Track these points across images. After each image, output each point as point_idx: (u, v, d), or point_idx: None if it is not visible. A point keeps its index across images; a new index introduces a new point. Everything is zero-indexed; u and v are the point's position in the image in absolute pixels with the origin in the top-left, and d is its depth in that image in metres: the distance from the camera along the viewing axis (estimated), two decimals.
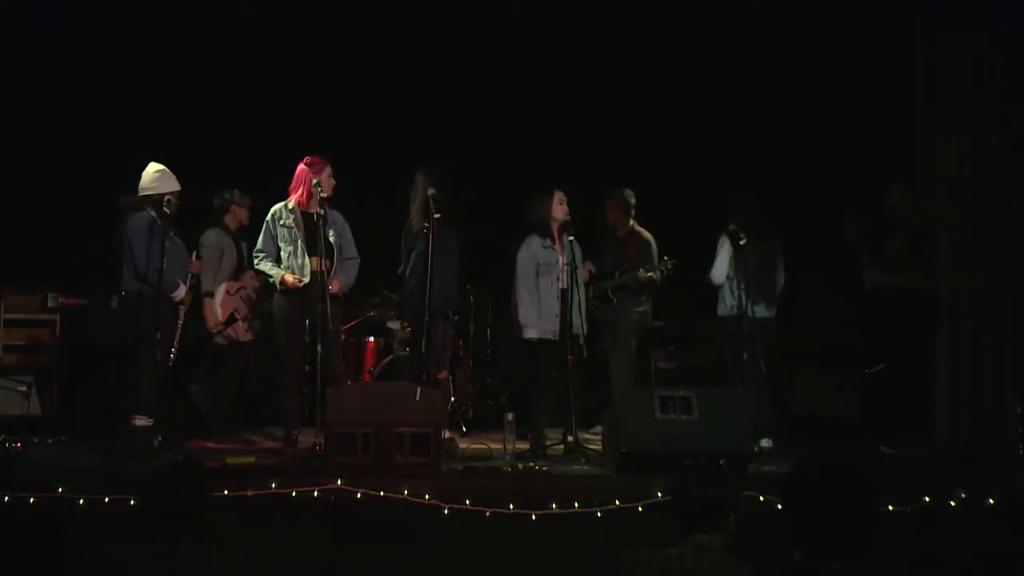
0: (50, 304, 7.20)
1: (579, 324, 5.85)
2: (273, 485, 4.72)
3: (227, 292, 6.54)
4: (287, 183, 6.19)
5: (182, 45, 7.39)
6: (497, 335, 7.92)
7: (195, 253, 6.37)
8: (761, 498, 4.71)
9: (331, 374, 5.88)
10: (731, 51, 7.55)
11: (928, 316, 6.40)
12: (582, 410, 6.16)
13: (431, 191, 5.99)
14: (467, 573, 4.65)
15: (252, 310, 6.67)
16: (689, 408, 5.36)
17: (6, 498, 4.61)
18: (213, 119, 7.57)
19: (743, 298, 6.27)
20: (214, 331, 6.54)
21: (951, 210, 6.56)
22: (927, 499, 4.85)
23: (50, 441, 6.10)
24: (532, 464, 5.53)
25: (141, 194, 5.86)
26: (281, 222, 5.97)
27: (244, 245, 6.79)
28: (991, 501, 4.90)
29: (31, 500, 4.61)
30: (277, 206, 6.02)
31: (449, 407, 6.95)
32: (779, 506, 4.42)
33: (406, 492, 4.69)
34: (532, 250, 6.20)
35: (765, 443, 6.08)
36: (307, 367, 6.61)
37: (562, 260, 6.09)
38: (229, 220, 6.73)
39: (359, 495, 4.69)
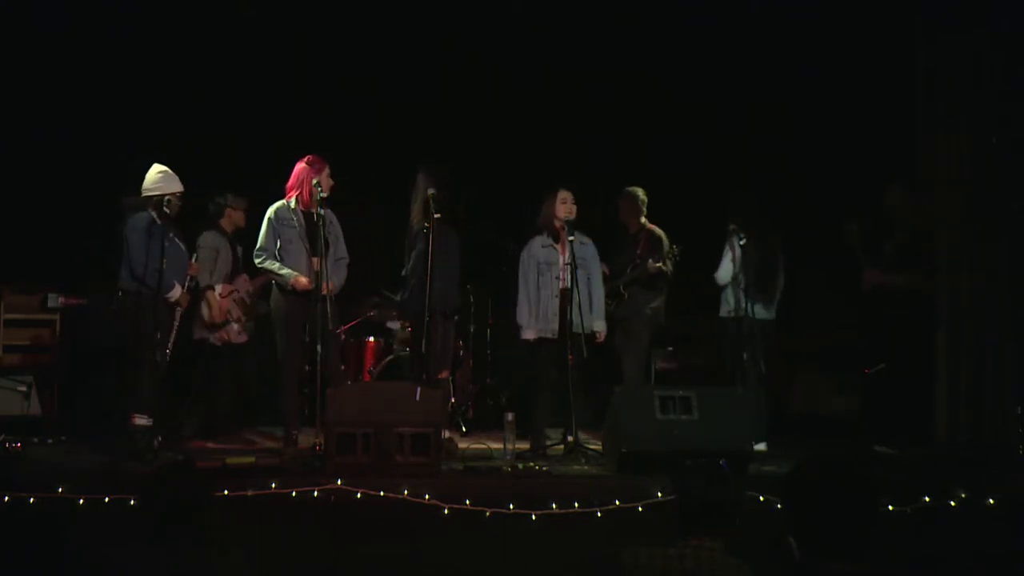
0: (50, 304, 7.20)
1: (579, 323, 5.82)
2: (273, 485, 4.72)
3: (220, 294, 6.52)
4: (287, 183, 6.20)
5: (182, 45, 7.39)
6: (497, 335, 7.92)
7: (194, 256, 6.37)
8: (761, 498, 4.72)
9: (331, 374, 5.89)
10: (731, 51, 7.55)
11: (928, 316, 6.39)
12: (591, 410, 6.15)
13: (431, 191, 6.00)
14: (467, 573, 4.65)
15: (246, 312, 6.64)
16: (689, 408, 5.37)
17: (6, 498, 4.60)
18: (213, 119, 7.57)
19: (743, 298, 6.28)
20: (210, 325, 6.51)
21: (951, 210, 6.56)
22: (927, 499, 4.86)
23: (50, 441, 6.10)
24: (532, 464, 5.53)
25: (144, 195, 5.86)
26: (285, 221, 5.97)
27: (240, 248, 6.78)
28: (991, 501, 4.90)
29: (31, 500, 4.60)
30: (278, 204, 6.02)
31: (449, 407, 6.94)
32: (779, 506, 4.42)
33: (406, 492, 4.69)
34: (532, 250, 6.21)
35: (761, 446, 6.08)
36: (307, 367, 6.61)
37: (563, 259, 6.08)
38: (225, 223, 6.70)
39: (359, 495, 4.69)
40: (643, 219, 6.76)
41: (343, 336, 7.16)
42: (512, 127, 8.05)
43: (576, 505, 4.71)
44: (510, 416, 5.91)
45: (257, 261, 6.05)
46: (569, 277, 5.94)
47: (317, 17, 7.44)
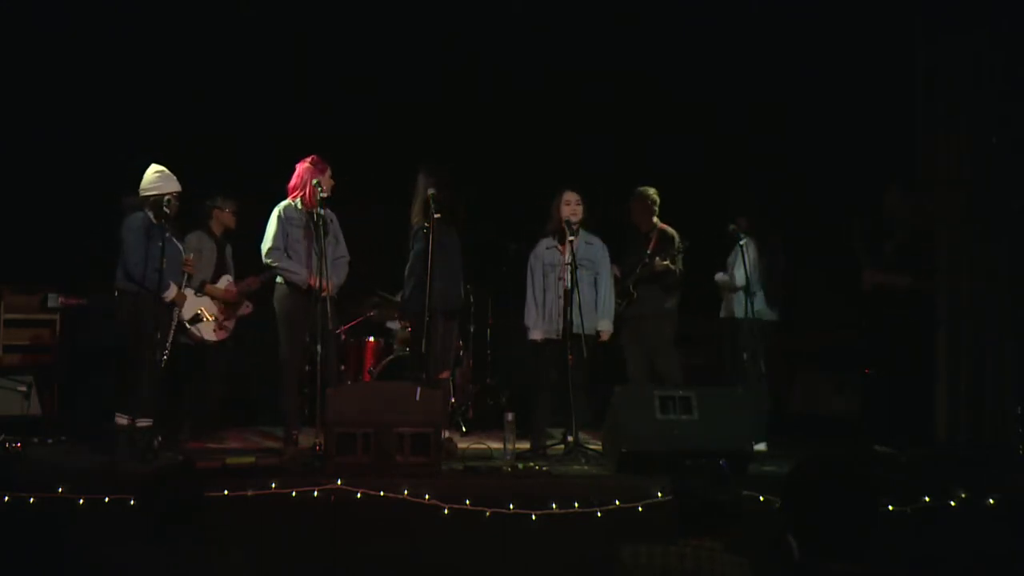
0: (50, 304, 7.20)
1: (580, 324, 5.82)
2: (273, 485, 4.71)
3: (195, 291, 6.48)
4: (287, 183, 6.20)
5: (182, 45, 7.39)
6: (497, 335, 7.93)
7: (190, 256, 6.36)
8: (761, 498, 4.72)
9: (331, 374, 5.89)
10: (731, 51, 7.55)
11: (928, 316, 6.40)
12: (591, 410, 6.15)
13: (431, 191, 6.00)
14: (467, 573, 4.65)
15: (224, 311, 6.59)
16: (689, 408, 5.36)
17: (6, 498, 4.60)
18: (213, 119, 7.57)
19: (743, 298, 6.28)
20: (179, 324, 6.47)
21: (951, 210, 6.56)
22: (927, 499, 4.85)
23: (50, 441, 6.09)
24: (532, 464, 5.53)
25: (141, 195, 5.85)
26: (292, 221, 5.97)
27: (230, 250, 6.76)
28: (991, 501, 4.90)
29: (31, 500, 4.60)
30: (285, 203, 6.03)
31: (449, 407, 6.94)
32: (779, 506, 4.42)
33: (406, 492, 4.69)
34: (538, 252, 6.23)
35: (761, 447, 6.09)
36: (307, 367, 6.60)
37: (564, 260, 6.08)
38: (214, 225, 6.67)
39: (359, 495, 4.69)
40: (655, 219, 6.68)
41: (343, 336, 7.17)
42: (512, 127, 8.05)
43: (576, 505, 4.70)
44: (510, 416, 5.91)
45: (269, 260, 6.03)
46: (569, 277, 5.93)
47: (317, 17, 7.44)
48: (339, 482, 4.72)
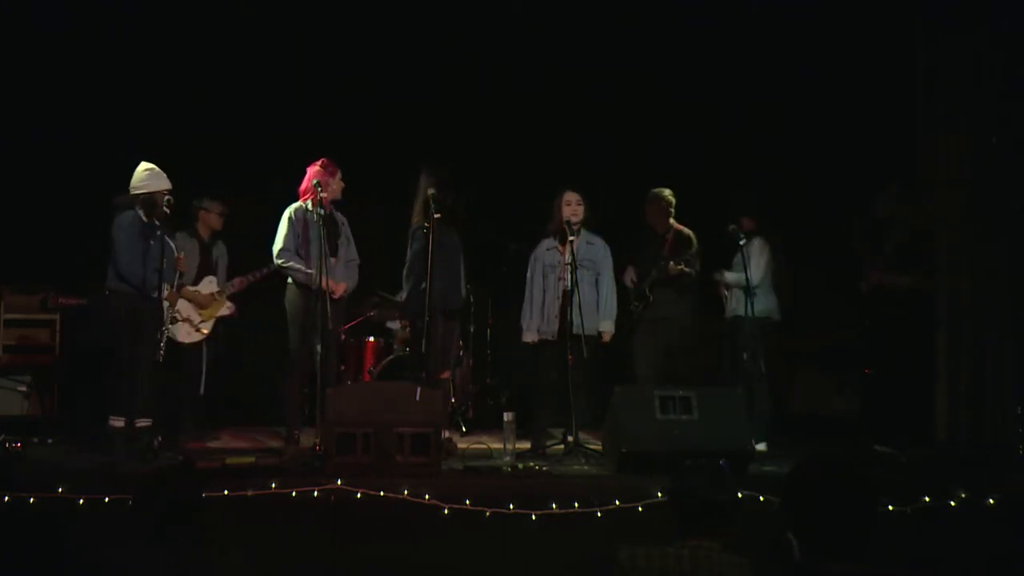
0: (50, 304, 7.19)
1: (580, 324, 5.81)
2: (273, 485, 4.71)
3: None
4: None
5: (182, 45, 7.38)
6: (497, 335, 7.93)
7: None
8: (761, 498, 4.72)
9: (331, 374, 5.89)
10: (731, 51, 7.54)
11: (928, 316, 6.40)
12: (591, 411, 6.15)
13: (431, 191, 6.01)
14: (467, 573, 4.65)
15: (200, 313, 6.55)
16: (689, 408, 5.37)
17: (6, 498, 4.60)
18: (213, 119, 7.57)
19: (743, 298, 6.27)
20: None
21: (951, 210, 6.56)
22: (927, 499, 4.85)
23: (50, 441, 6.09)
24: (532, 464, 5.54)
25: (131, 193, 5.83)
26: (303, 223, 5.97)
27: (218, 250, 6.73)
28: (991, 501, 4.89)
29: (31, 500, 4.60)
30: (296, 205, 6.04)
31: (449, 407, 6.94)
32: (779, 506, 4.42)
33: (406, 492, 4.68)
34: (539, 252, 6.23)
35: (761, 447, 6.09)
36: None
37: (564, 260, 6.08)
38: (200, 226, 6.65)
39: (359, 495, 4.69)
40: (671, 220, 6.65)
41: (343, 336, 7.16)
42: (512, 127, 8.05)
43: (576, 505, 4.70)
44: (510, 416, 5.90)
45: (280, 261, 6.04)
46: (569, 278, 5.93)
47: (317, 17, 7.44)
48: (339, 482, 4.72)
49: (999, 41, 6.37)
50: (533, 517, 4.66)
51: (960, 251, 6.50)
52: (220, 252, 6.82)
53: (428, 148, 7.12)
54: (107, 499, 4.59)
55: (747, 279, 6.22)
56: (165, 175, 5.88)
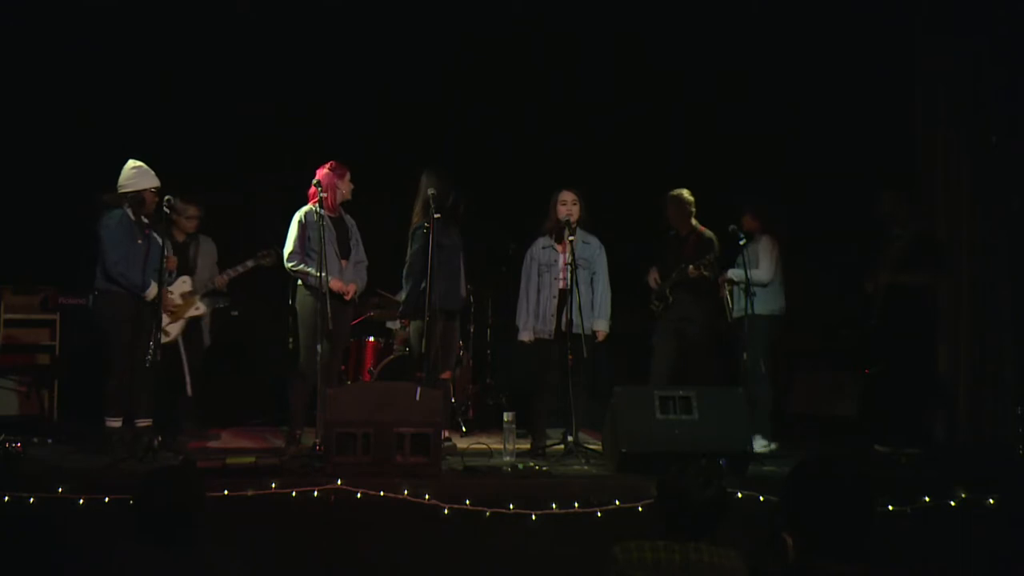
0: (50, 304, 7.19)
1: (580, 323, 5.81)
2: (273, 485, 4.71)
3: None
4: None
5: (182, 45, 7.38)
6: (497, 335, 7.93)
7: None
8: (761, 498, 4.72)
9: (331, 374, 5.89)
10: (731, 51, 7.54)
11: (929, 316, 6.39)
12: (592, 411, 6.15)
13: (432, 191, 6.02)
14: (467, 573, 4.65)
15: (170, 315, 6.48)
16: (689, 408, 5.37)
17: (6, 498, 4.60)
18: (213, 119, 7.57)
19: (744, 298, 6.27)
20: None
21: (951, 210, 6.57)
22: (927, 499, 4.85)
23: (50, 441, 6.09)
24: (532, 464, 5.54)
25: (119, 191, 5.81)
26: (313, 226, 5.96)
27: (200, 247, 6.72)
28: (991, 501, 4.89)
29: (31, 500, 4.60)
30: (306, 209, 6.03)
31: (449, 407, 6.94)
32: (779, 506, 4.42)
33: (406, 492, 4.68)
34: (534, 251, 6.22)
35: (771, 446, 6.09)
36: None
37: (563, 260, 6.08)
38: (174, 229, 6.55)
39: (359, 495, 4.69)
40: (693, 221, 6.61)
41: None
42: (512, 127, 8.04)
43: (576, 505, 4.70)
44: (510, 416, 5.90)
45: (289, 265, 6.03)
46: (569, 278, 5.93)
47: (317, 17, 7.44)
48: (339, 482, 4.72)
49: (999, 42, 6.38)
50: (533, 517, 4.65)
51: (960, 251, 6.51)
52: (207, 249, 6.76)
53: (428, 148, 7.13)
54: (107, 499, 4.58)
55: (747, 278, 6.22)
56: (153, 172, 5.85)
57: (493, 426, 6.87)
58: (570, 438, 5.82)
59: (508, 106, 8.00)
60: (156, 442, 5.52)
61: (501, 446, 5.89)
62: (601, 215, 6.42)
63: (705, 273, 6.35)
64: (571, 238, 5.94)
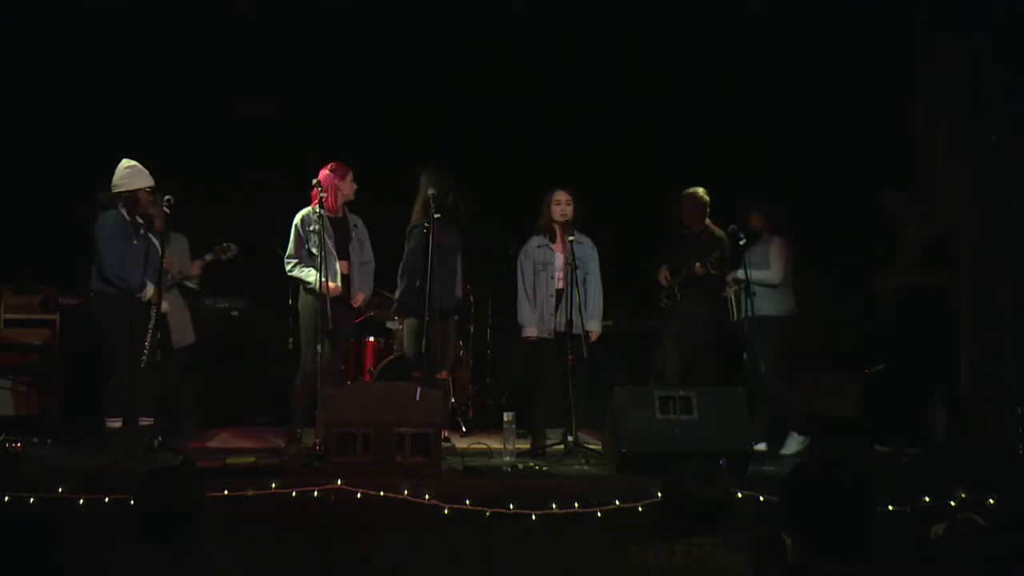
0: (49, 304, 7.19)
1: (579, 324, 5.81)
2: (273, 485, 4.71)
3: None
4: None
5: (182, 45, 7.39)
6: (497, 335, 7.93)
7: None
8: (761, 498, 4.72)
9: (331, 374, 5.89)
10: (731, 51, 7.55)
11: (929, 316, 6.37)
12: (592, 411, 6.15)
13: (431, 191, 6.02)
14: (467, 573, 4.65)
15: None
16: (689, 408, 5.37)
17: (6, 498, 4.60)
18: (213, 119, 7.57)
19: (744, 298, 6.26)
20: None
21: (951, 210, 6.57)
22: (927, 499, 4.85)
23: (50, 441, 6.08)
24: (532, 464, 5.54)
25: (113, 191, 5.80)
26: (311, 227, 5.96)
27: (185, 243, 6.69)
28: (991, 501, 4.89)
29: (31, 500, 4.60)
30: (305, 210, 6.02)
31: (449, 407, 6.94)
32: (778, 506, 4.42)
33: (406, 492, 4.68)
34: (528, 250, 6.22)
35: (761, 447, 6.08)
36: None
37: (561, 260, 6.07)
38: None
39: (359, 495, 4.69)
40: (707, 220, 6.58)
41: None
42: (512, 127, 8.04)
43: (576, 505, 4.70)
44: (510, 416, 5.90)
45: (287, 268, 6.04)
46: (568, 278, 5.92)
47: (317, 17, 7.44)
48: (339, 482, 4.72)
49: (999, 43, 6.38)
50: (533, 517, 4.65)
51: (960, 251, 6.50)
52: (179, 247, 6.68)
53: (428, 148, 7.13)
54: (107, 499, 4.58)
55: (747, 278, 6.21)
56: (147, 171, 5.83)
57: (493, 426, 6.87)
58: (570, 438, 5.82)
59: (508, 106, 8.01)
60: (156, 442, 5.52)
61: (501, 446, 5.88)
62: (601, 215, 6.42)
63: (712, 271, 6.35)
64: (571, 238, 5.95)
